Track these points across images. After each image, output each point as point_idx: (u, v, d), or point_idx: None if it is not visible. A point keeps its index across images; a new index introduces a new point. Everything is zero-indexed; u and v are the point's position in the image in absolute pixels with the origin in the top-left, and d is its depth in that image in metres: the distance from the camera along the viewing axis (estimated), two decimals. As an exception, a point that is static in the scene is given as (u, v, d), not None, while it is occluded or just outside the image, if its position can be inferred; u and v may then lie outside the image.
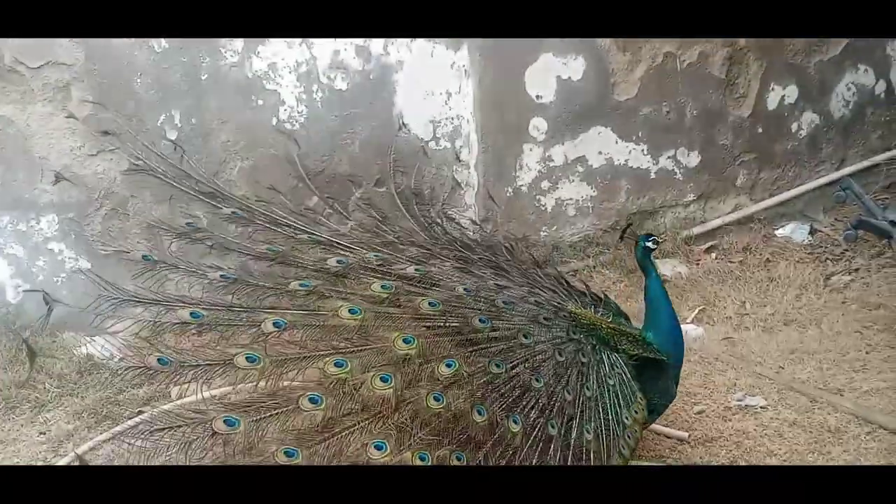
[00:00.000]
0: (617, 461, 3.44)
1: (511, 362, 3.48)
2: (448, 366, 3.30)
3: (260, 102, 5.78)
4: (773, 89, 6.93)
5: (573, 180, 6.63)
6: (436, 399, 3.19)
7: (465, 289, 3.74)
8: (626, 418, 3.55)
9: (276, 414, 3.14)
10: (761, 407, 4.66)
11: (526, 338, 3.60)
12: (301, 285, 3.74)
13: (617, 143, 6.63)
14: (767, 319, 5.68)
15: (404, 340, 3.32)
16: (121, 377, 5.30)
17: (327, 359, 3.25)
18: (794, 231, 6.93)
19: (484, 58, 6.16)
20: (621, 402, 3.57)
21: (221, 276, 3.84)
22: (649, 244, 4.09)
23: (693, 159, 6.87)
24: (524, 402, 3.40)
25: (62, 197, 5.48)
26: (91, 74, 5.40)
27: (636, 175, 6.77)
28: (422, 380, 3.26)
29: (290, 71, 5.78)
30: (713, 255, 6.72)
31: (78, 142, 5.44)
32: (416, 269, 3.82)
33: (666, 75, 6.59)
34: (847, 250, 6.57)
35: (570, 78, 6.36)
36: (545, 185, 6.58)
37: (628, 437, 3.53)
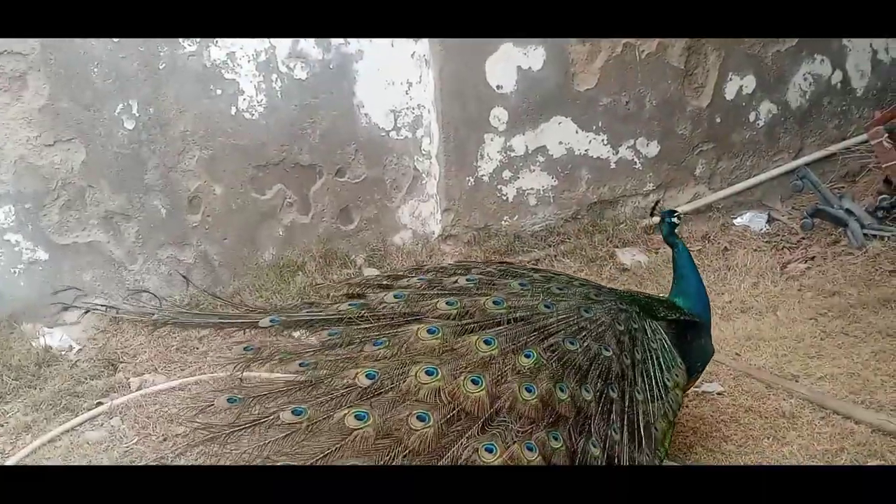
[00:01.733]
0: (662, 425, 3.53)
1: (580, 337, 3.61)
2: (527, 356, 3.40)
3: (218, 92, 5.75)
4: (731, 79, 6.99)
5: (534, 170, 6.66)
6: (528, 390, 3.27)
7: (519, 284, 3.87)
8: (668, 380, 3.67)
9: (396, 442, 3.11)
10: (718, 393, 4.69)
11: (587, 312, 3.73)
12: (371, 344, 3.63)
13: (577, 132, 6.66)
14: (725, 307, 5.72)
15: (485, 342, 3.40)
16: (79, 368, 5.29)
17: (418, 367, 3.28)
18: (751, 220, 6.98)
19: (444, 48, 6.17)
20: (663, 365, 3.71)
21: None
22: (674, 220, 4.27)
23: (652, 149, 6.92)
24: (593, 373, 3.51)
25: (18, 187, 5.41)
26: (47, 64, 5.33)
27: (596, 165, 6.80)
28: (507, 375, 3.33)
29: (248, 60, 5.75)
30: (673, 243, 6.76)
31: (34, 132, 5.38)
32: (467, 280, 3.89)
33: (625, 65, 6.63)
34: (804, 238, 6.63)
35: (530, 68, 6.38)
36: (506, 174, 6.61)
37: (671, 400, 3.64)
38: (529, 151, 6.59)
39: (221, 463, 3.49)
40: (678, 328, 3.96)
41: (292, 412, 3.14)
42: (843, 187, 7.11)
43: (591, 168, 6.79)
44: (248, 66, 5.76)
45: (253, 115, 5.86)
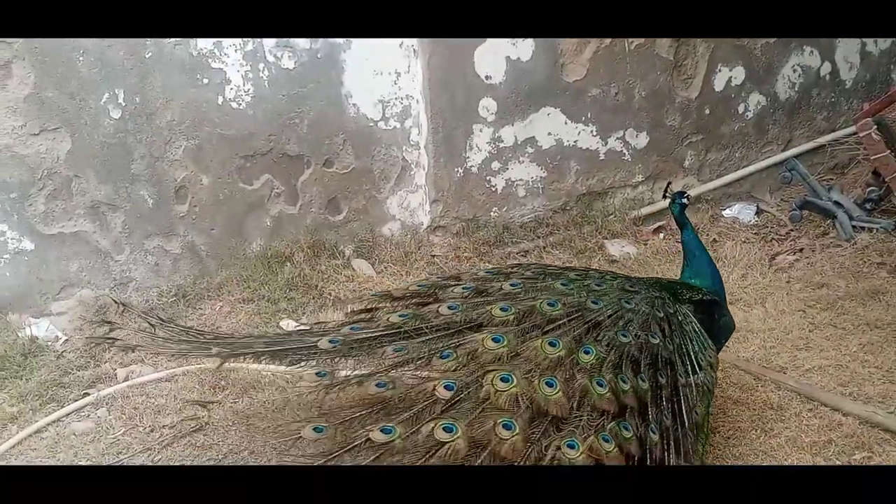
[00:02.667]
0: (701, 408, 3.61)
1: (629, 329, 3.71)
2: (587, 353, 3.49)
3: (205, 81, 5.71)
4: (720, 71, 6.98)
5: (523, 161, 6.64)
6: (599, 385, 3.37)
7: (561, 284, 3.96)
8: (703, 362, 3.77)
9: (490, 453, 3.12)
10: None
11: (629, 304, 3.85)
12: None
13: (566, 123, 6.65)
14: (713, 299, 5.73)
15: (550, 344, 3.48)
16: (66, 359, 5.26)
17: (492, 375, 3.31)
18: (740, 211, 7.00)
19: (433, 38, 6.13)
20: (697, 348, 3.81)
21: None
22: (684, 201, 4.41)
23: (641, 140, 6.91)
24: (644, 361, 3.60)
25: (3, 177, 5.37)
26: (32, 52, 5.28)
27: (585, 156, 6.79)
28: (574, 373, 3.42)
29: (235, 49, 5.71)
30: (661, 235, 6.77)
31: (20, 121, 5.33)
32: (511, 286, 3.96)
33: (614, 57, 6.61)
34: (792, 230, 6.66)
35: (519, 59, 6.36)
36: (495, 165, 6.59)
37: (708, 381, 3.73)
38: (518, 142, 6.57)
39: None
40: (703, 308, 4.10)
41: (381, 431, 3.11)
42: (831, 179, 7.12)
43: (581, 159, 6.78)
44: (234, 55, 5.72)
45: (240, 104, 5.83)
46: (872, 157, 6.50)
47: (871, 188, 6.57)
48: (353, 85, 6.08)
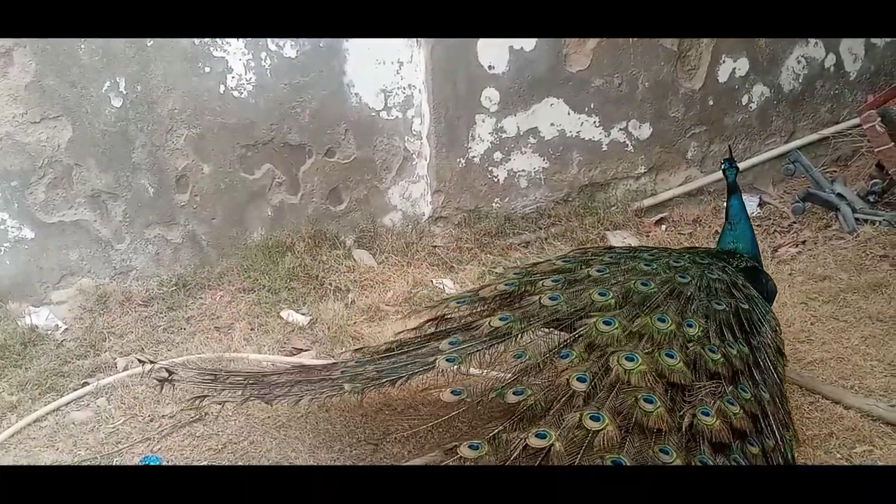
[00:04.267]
0: (781, 362, 3.74)
1: (721, 298, 3.81)
2: (690, 325, 3.56)
3: (207, 70, 5.69)
4: (724, 62, 6.94)
5: (525, 152, 6.62)
6: (712, 351, 3.46)
7: (644, 264, 4.02)
8: (772, 321, 3.91)
9: (641, 429, 3.14)
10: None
11: (711, 273, 3.97)
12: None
13: (569, 114, 6.62)
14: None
15: (659, 320, 3.55)
16: (65, 348, 5.26)
17: (616, 357, 3.35)
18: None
19: (435, 38, 6.09)
20: (762, 310, 3.93)
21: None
22: (737, 167, 4.65)
23: (644, 131, 6.88)
24: (735, 327, 3.69)
25: (4, 165, 5.36)
26: (33, 40, 5.26)
27: (588, 147, 6.77)
28: (684, 344, 3.48)
29: (237, 38, 5.69)
30: (663, 227, 6.75)
31: (20, 109, 5.32)
32: (598, 272, 3.97)
33: (618, 47, 6.58)
34: (795, 222, 6.63)
35: (522, 48, 6.33)
36: (497, 156, 6.57)
37: (779, 342, 3.87)
38: (521, 133, 6.55)
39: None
40: (750, 275, 4.21)
41: (536, 436, 3.06)
42: (834, 171, 7.08)
43: (583, 150, 6.76)
44: (236, 43, 5.69)
45: (242, 93, 5.81)
46: (876, 150, 6.48)
47: (875, 180, 6.55)
48: (356, 74, 6.05)
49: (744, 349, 3.56)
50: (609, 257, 4.18)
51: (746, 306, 3.81)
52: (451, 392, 3.46)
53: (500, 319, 3.72)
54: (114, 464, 4.19)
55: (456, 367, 3.60)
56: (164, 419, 4.51)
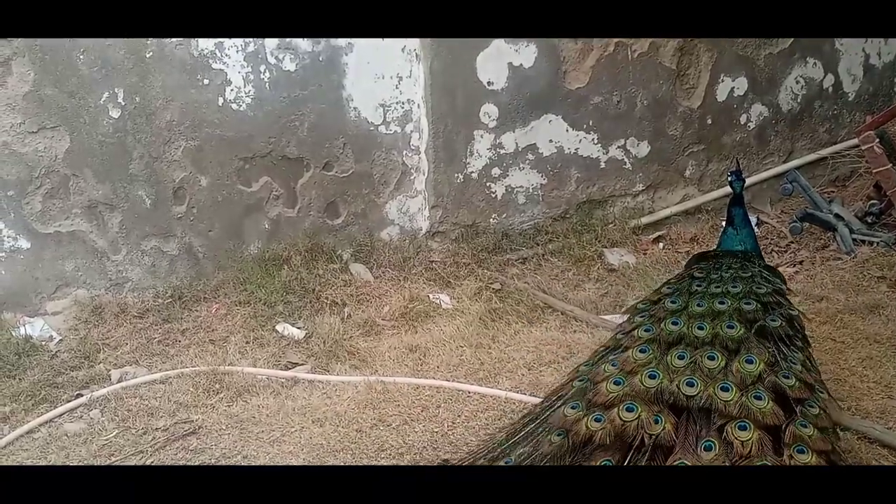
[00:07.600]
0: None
1: (770, 317, 3.72)
2: (749, 362, 3.42)
3: (206, 82, 5.69)
4: (722, 81, 6.96)
5: (523, 168, 6.62)
6: (785, 377, 3.34)
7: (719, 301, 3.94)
8: (793, 310, 3.89)
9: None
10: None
11: (760, 287, 3.91)
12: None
13: (567, 131, 6.62)
14: (712, 310, 5.69)
15: (747, 361, 3.39)
16: (59, 359, 5.24)
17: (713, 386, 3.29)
18: (740, 222, 6.96)
19: (435, 42, 6.11)
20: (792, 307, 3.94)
21: None
22: (744, 177, 4.92)
23: (643, 149, 6.88)
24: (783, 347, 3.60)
25: (1, 174, 5.34)
26: (32, 50, 5.26)
27: (586, 164, 6.77)
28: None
29: (237, 50, 5.69)
30: (661, 245, 6.75)
31: (18, 118, 5.31)
32: (671, 302, 3.88)
33: (617, 65, 6.59)
34: (792, 242, 6.62)
35: (521, 65, 6.34)
36: (496, 172, 6.56)
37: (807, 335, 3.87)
38: (519, 149, 6.55)
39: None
40: (771, 269, 4.32)
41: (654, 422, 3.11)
42: (832, 192, 7.10)
43: (581, 167, 6.76)
44: (236, 56, 5.69)
45: (240, 106, 5.80)
46: (874, 171, 6.48)
47: (873, 201, 6.56)
48: (355, 88, 6.05)
49: (800, 356, 3.52)
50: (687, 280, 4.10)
51: (795, 312, 3.83)
52: (594, 419, 3.23)
53: (640, 351, 3.54)
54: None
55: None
56: (158, 432, 4.48)
